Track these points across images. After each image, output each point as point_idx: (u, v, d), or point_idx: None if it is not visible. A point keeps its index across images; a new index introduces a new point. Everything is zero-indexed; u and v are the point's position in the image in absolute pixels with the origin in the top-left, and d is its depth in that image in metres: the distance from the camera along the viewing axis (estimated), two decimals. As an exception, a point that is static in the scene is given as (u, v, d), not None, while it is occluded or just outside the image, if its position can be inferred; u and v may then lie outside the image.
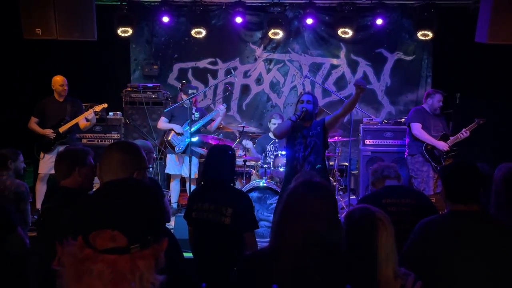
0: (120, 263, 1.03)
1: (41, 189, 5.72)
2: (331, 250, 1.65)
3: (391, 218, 1.92)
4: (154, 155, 5.44)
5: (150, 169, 6.31)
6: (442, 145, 5.64)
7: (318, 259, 1.63)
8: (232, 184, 3.25)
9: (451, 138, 5.71)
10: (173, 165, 6.22)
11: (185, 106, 5.88)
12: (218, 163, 3.16)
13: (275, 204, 5.20)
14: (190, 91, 6.08)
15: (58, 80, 5.89)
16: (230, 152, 3.26)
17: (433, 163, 5.62)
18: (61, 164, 2.80)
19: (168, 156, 6.28)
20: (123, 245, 1.03)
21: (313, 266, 1.63)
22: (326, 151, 4.47)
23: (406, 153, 5.91)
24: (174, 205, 6.13)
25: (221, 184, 3.14)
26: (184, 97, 6.04)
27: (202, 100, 7.86)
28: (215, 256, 3.04)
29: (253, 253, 1.81)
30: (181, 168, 6.20)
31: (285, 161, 5.49)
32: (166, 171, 6.34)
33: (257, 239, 5.01)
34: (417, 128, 5.75)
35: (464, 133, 5.66)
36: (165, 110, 6.29)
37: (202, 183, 3.30)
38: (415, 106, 7.67)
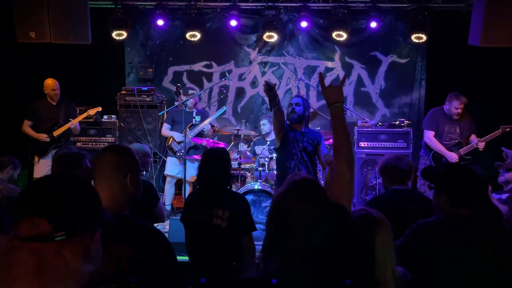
0: (44, 251, 1.03)
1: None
2: (330, 254, 1.56)
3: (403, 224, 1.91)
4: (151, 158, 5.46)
5: (146, 173, 6.32)
6: (452, 157, 5.57)
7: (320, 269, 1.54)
8: (228, 187, 3.24)
9: (464, 147, 5.62)
10: (174, 166, 6.23)
11: (188, 110, 5.87)
12: (213, 167, 3.15)
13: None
14: (190, 92, 6.15)
15: (50, 84, 5.85)
16: (225, 154, 3.25)
17: None
18: (57, 167, 2.81)
19: (169, 157, 6.30)
20: (47, 232, 1.03)
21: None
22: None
23: (421, 151, 5.95)
24: (168, 207, 6.13)
25: (218, 187, 3.13)
26: (183, 98, 6.06)
27: (198, 102, 7.86)
28: (212, 259, 3.04)
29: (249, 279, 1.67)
30: (181, 169, 6.22)
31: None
32: (166, 172, 6.35)
33: (252, 242, 5.06)
34: (428, 137, 5.73)
35: (480, 145, 5.52)
36: (160, 113, 6.29)
37: (198, 186, 3.29)
38: (409, 108, 7.76)
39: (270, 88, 3.77)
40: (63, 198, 1.08)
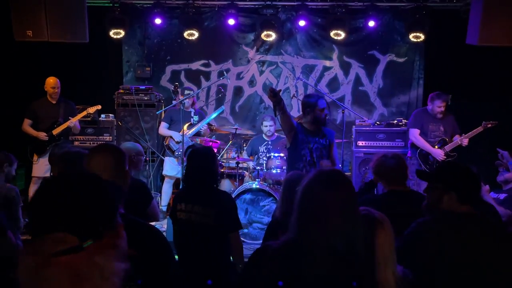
0: (76, 263, 0.99)
1: (34, 193, 5.68)
2: (350, 246, 1.67)
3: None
4: (144, 157, 5.45)
5: (142, 172, 6.32)
6: (438, 154, 5.68)
7: (338, 256, 1.64)
8: (215, 185, 3.26)
9: (449, 144, 5.73)
10: (172, 166, 6.21)
11: (184, 109, 5.87)
12: (199, 166, 3.17)
13: (268, 206, 5.21)
14: (186, 92, 6.13)
15: (51, 82, 5.87)
16: (210, 154, 3.27)
17: (425, 168, 5.67)
18: (58, 165, 2.83)
19: (167, 158, 6.28)
20: (75, 244, 1.00)
21: (333, 263, 1.64)
22: None
23: (408, 153, 6.03)
24: (164, 208, 6.11)
25: (204, 186, 3.15)
26: (181, 97, 6.05)
27: (196, 102, 7.85)
28: (199, 257, 3.05)
29: (265, 248, 1.80)
30: (180, 169, 6.21)
31: (278, 163, 5.50)
32: (164, 172, 6.34)
33: (250, 241, 5.06)
34: (414, 135, 5.83)
35: (464, 141, 5.64)
36: (157, 112, 6.27)
37: (183, 184, 3.30)
38: (407, 107, 7.77)
39: (274, 94, 3.76)
40: (81, 205, 1.04)
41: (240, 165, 5.92)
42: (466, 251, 2.15)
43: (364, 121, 6.93)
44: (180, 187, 5.75)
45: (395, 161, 3.06)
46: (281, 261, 1.68)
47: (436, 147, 5.77)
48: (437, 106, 5.76)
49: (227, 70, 7.71)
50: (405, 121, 6.83)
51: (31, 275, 0.99)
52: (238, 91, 7.97)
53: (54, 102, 5.93)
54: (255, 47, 7.90)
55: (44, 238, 1.01)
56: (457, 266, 2.13)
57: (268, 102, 7.95)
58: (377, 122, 7.02)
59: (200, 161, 3.19)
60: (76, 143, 6.69)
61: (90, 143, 6.78)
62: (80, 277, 0.99)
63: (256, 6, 7.55)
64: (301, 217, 1.73)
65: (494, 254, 2.14)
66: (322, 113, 4.24)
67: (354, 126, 6.86)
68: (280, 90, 3.93)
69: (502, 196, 4.14)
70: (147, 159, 6.57)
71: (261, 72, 7.96)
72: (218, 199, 3.11)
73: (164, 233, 4.57)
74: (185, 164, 5.94)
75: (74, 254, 0.99)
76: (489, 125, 5.64)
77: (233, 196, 4.59)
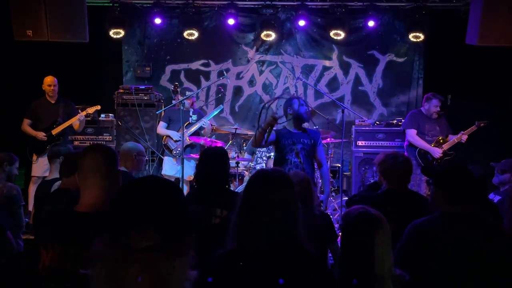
0: (157, 263, 1.03)
1: (33, 192, 5.69)
2: (291, 241, 1.69)
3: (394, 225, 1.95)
4: (146, 158, 5.46)
5: (141, 172, 6.32)
6: (436, 152, 5.74)
7: (280, 253, 1.66)
8: (227, 186, 3.24)
9: (447, 142, 5.78)
10: (171, 165, 6.22)
11: (184, 109, 5.88)
12: (211, 166, 3.14)
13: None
14: (187, 93, 6.16)
15: (48, 80, 5.90)
16: (223, 154, 3.25)
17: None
18: (63, 165, 2.88)
19: (166, 157, 6.29)
20: (158, 243, 1.03)
21: (277, 262, 1.65)
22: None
23: (405, 154, 6.02)
24: None
25: (215, 186, 3.12)
26: (180, 97, 6.06)
27: (195, 102, 7.85)
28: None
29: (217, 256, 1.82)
30: (179, 169, 6.20)
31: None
32: (163, 172, 6.34)
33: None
34: (411, 135, 5.86)
35: (463, 138, 5.73)
36: (157, 112, 6.27)
37: (195, 185, 3.28)
38: (407, 107, 7.78)
39: (276, 121, 3.85)
40: (170, 207, 1.09)
41: (240, 165, 5.93)
42: (457, 250, 2.16)
43: (364, 121, 6.93)
44: (184, 187, 5.76)
45: (404, 166, 3.06)
46: (227, 266, 1.71)
47: (433, 145, 5.81)
48: (434, 106, 5.83)
49: (227, 70, 7.71)
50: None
51: (110, 267, 1.02)
52: (238, 91, 7.98)
53: (53, 101, 5.93)
54: (254, 47, 7.91)
55: (132, 232, 1.05)
56: (449, 266, 2.14)
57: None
58: (377, 122, 7.02)
59: (211, 161, 3.15)
60: (76, 143, 6.70)
61: (90, 143, 6.78)
62: (160, 277, 1.02)
63: (256, 6, 7.55)
64: (241, 219, 1.77)
65: (486, 252, 2.15)
66: (302, 106, 4.30)
67: (353, 126, 6.87)
68: (281, 117, 4.00)
69: (496, 198, 4.14)
70: (147, 159, 6.57)
71: (261, 72, 7.97)
72: (231, 200, 3.08)
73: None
74: (188, 163, 5.99)
75: (156, 254, 1.02)
76: (482, 124, 5.73)
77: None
